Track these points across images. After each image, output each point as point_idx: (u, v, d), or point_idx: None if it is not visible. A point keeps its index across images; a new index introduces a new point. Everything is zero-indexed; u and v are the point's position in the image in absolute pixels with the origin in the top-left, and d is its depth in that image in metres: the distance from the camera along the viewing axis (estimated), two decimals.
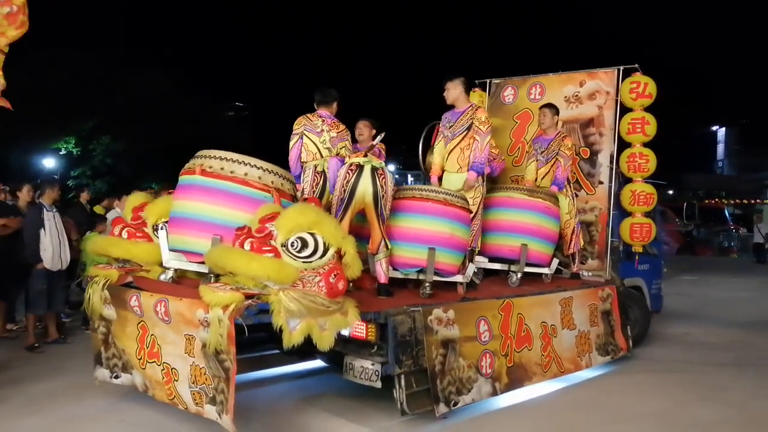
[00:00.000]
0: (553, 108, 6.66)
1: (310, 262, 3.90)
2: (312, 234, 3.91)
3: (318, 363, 6.06)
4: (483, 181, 5.71)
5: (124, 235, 4.75)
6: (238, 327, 3.74)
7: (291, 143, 5.44)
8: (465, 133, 5.59)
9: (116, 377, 4.76)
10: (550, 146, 6.57)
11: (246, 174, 4.29)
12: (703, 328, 8.88)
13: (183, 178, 4.48)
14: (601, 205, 7.04)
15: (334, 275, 3.99)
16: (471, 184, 5.56)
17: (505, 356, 5.26)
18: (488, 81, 7.93)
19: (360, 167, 4.72)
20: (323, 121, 5.43)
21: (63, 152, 22.34)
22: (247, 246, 3.92)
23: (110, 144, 21.90)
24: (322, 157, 5.35)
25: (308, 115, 5.50)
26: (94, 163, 22.05)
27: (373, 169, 4.74)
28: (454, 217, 5.12)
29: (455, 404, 4.68)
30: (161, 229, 4.60)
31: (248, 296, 3.79)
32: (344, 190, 4.73)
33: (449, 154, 5.73)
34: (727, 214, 26.69)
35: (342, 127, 5.48)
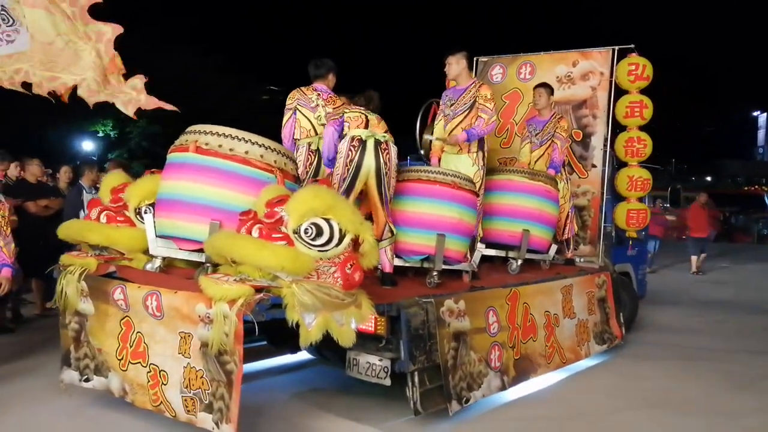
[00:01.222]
0: (548, 88, 6.38)
1: (326, 251, 3.51)
2: (327, 219, 3.51)
3: (304, 355, 5.66)
4: (484, 163, 5.38)
5: (103, 219, 4.24)
6: (247, 325, 3.33)
7: (284, 119, 5.01)
8: (467, 112, 5.24)
9: (86, 380, 4.21)
10: (545, 128, 6.30)
11: (247, 152, 3.84)
12: (737, 315, 8.81)
13: (174, 156, 4.00)
14: (593, 189, 6.83)
15: (350, 265, 3.60)
16: (453, 142, 5.29)
17: (513, 348, 5.00)
18: (475, 59, 7.59)
19: (363, 142, 4.35)
20: (318, 95, 5.02)
21: (101, 135, 22.56)
22: (255, 232, 3.49)
23: (147, 127, 21.73)
24: (316, 134, 4.94)
25: (302, 88, 5.07)
26: (131, 146, 22.29)
27: (377, 143, 4.36)
28: (463, 201, 4.80)
29: (467, 401, 4.39)
30: (146, 212, 4.13)
31: (257, 289, 3.38)
32: (347, 169, 4.34)
33: (449, 134, 5.37)
34: (766, 201, 26.14)
35: (339, 101, 5.07)
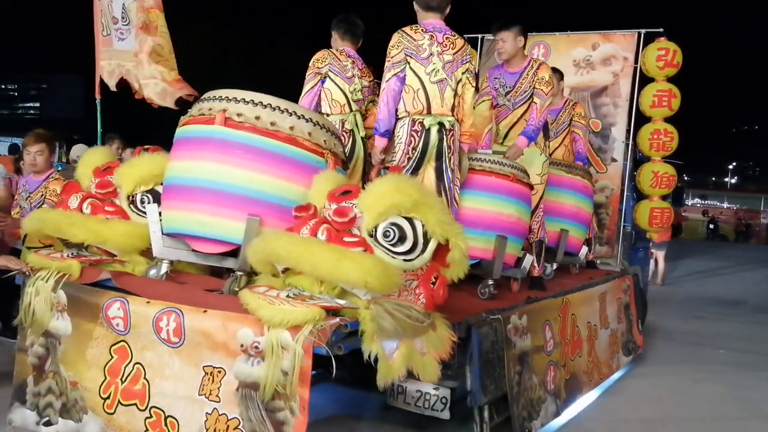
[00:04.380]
0: (557, 73, 5.69)
1: (411, 259, 2.70)
2: (410, 220, 2.70)
3: None
4: (548, 155, 4.62)
5: (87, 209, 3.24)
6: (319, 360, 2.48)
7: (307, 85, 4.07)
8: (530, 101, 4.39)
9: (47, 423, 3.14)
10: (559, 117, 5.62)
11: (292, 128, 2.95)
12: None
13: (190, 130, 3.05)
14: (613, 185, 6.28)
15: (435, 278, 2.81)
16: (518, 152, 4.29)
17: (564, 367, 4.34)
18: (480, 37, 6.87)
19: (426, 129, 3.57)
20: (353, 63, 4.13)
21: None
22: (322, 234, 2.63)
23: None
24: (350, 111, 4.07)
25: (334, 51, 4.15)
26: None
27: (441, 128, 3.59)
28: (520, 196, 4.07)
29: None
30: (148, 203, 3.18)
31: (327, 311, 2.53)
32: (407, 157, 3.54)
33: (510, 129, 4.50)
34: None
35: (371, 74, 4.22)
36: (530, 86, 4.37)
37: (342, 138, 3.39)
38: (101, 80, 5.25)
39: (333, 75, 4.06)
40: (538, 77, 4.36)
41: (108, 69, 5.07)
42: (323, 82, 4.04)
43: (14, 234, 4.27)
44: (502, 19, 4.44)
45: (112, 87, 5.16)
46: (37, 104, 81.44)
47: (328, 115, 4.03)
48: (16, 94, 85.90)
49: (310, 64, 4.11)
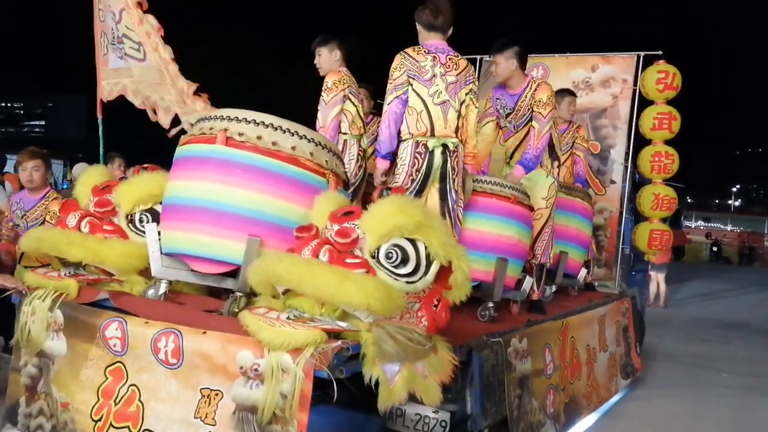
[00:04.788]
0: (570, 94, 5.72)
1: (414, 282, 2.67)
2: (412, 241, 2.68)
3: None
4: (557, 175, 4.57)
5: (85, 228, 3.20)
6: (323, 383, 2.44)
7: (335, 108, 4.01)
8: (530, 123, 4.33)
9: None
10: (561, 138, 5.63)
11: (294, 148, 2.93)
12: None
13: (190, 149, 3.03)
14: (611, 207, 6.28)
15: (437, 300, 2.79)
16: (515, 182, 4.18)
17: (563, 390, 4.30)
18: (478, 58, 6.90)
19: (430, 151, 3.57)
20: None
21: None
22: (324, 255, 2.60)
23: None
24: (366, 131, 4.10)
25: (349, 73, 4.17)
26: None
27: (445, 150, 3.58)
28: (521, 218, 4.05)
29: None
30: (147, 222, 3.15)
31: (328, 333, 2.49)
32: (411, 179, 3.53)
33: (514, 151, 4.47)
34: None
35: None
36: (529, 108, 4.32)
37: (341, 157, 3.36)
38: (102, 101, 5.29)
39: (352, 96, 4.08)
40: (536, 99, 4.28)
41: (107, 89, 5.14)
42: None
43: (11, 252, 4.24)
44: (499, 41, 4.43)
45: (106, 100, 5.22)
46: (42, 122, 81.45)
47: (345, 134, 4.05)
48: (21, 112, 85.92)
49: (331, 86, 4.02)
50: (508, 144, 4.50)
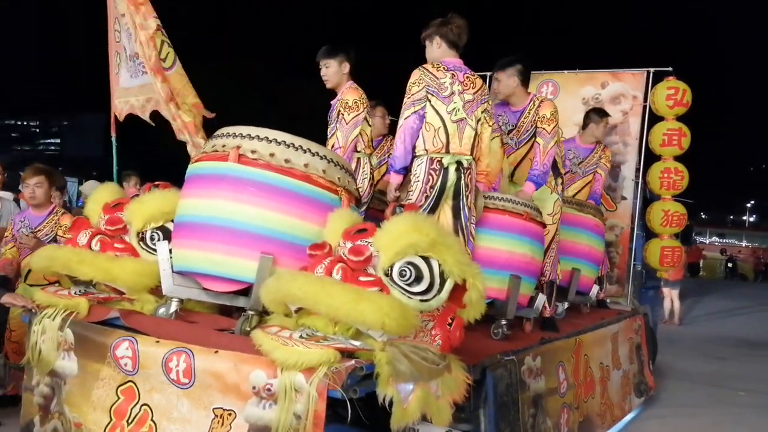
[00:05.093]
0: (600, 113, 5.67)
1: (428, 300, 2.64)
2: (427, 259, 2.65)
3: None
4: (561, 190, 4.57)
5: (96, 246, 3.19)
6: (334, 403, 2.40)
7: (357, 128, 3.99)
8: (533, 139, 4.32)
9: None
10: (590, 157, 5.61)
11: (307, 165, 2.91)
12: None
13: (203, 167, 3.02)
14: (623, 223, 6.24)
15: (451, 319, 2.76)
16: (525, 198, 4.13)
17: (577, 409, 4.24)
18: (488, 75, 6.89)
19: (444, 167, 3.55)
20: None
21: None
22: (337, 274, 2.58)
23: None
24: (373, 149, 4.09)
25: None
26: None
27: (459, 167, 3.56)
28: (534, 235, 4.02)
29: None
30: (159, 240, 3.14)
31: (340, 352, 2.46)
32: (425, 196, 3.51)
33: (516, 168, 4.48)
34: None
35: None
36: (532, 125, 4.32)
37: (353, 174, 3.34)
38: (117, 119, 5.34)
39: (368, 116, 4.09)
40: (540, 115, 4.28)
41: (119, 107, 5.22)
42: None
43: (14, 265, 4.28)
44: (502, 59, 4.43)
45: (120, 118, 5.27)
46: (58, 141, 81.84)
47: (359, 153, 4.06)
48: (37, 130, 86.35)
49: (352, 105, 3.98)
50: (509, 161, 4.49)
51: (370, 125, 4.10)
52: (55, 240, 4.29)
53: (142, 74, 4.89)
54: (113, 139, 5.57)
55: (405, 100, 3.59)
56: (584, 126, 5.66)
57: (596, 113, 5.62)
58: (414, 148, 3.61)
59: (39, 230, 4.43)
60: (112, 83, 5.30)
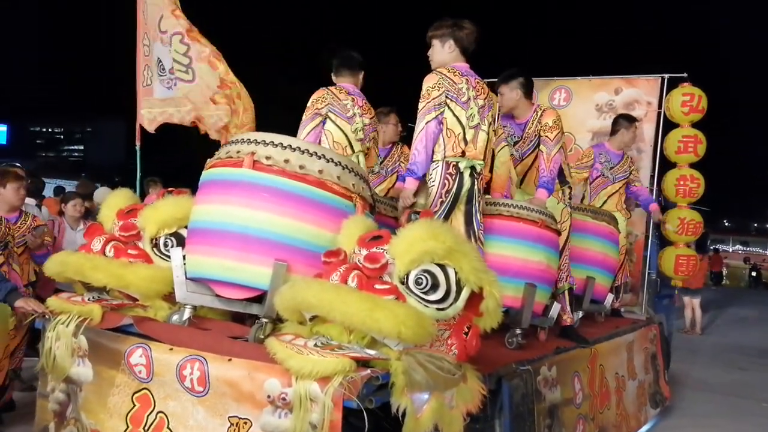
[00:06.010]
0: (626, 119, 5.60)
1: (444, 308, 2.61)
2: (442, 267, 2.62)
3: None
4: (570, 197, 4.54)
5: (110, 252, 3.18)
6: (350, 413, 2.37)
7: (307, 127, 3.96)
8: (537, 150, 4.33)
9: None
10: (620, 164, 5.56)
11: (321, 171, 2.89)
12: None
13: (217, 173, 3.00)
14: (637, 231, 6.18)
15: (468, 328, 2.72)
16: (541, 205, 4.14)
17: (593, 420, 4.18)
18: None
19: (460, 172, 3.52)
20: (353, 100, 4.02)
21: None
22: (352, 281, 2.55)
23: None
24: (353, 152, 4.00)
25: (331, 89, 4.04)
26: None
27: (473, 173, 3.53)
28: (549, 242, 3.98)
29: None
30: (172, 246, 3.12)
31: (356, 361, 2.43)
32: (441, 201, 3.48)
33: (523, 177, 4.49)
34: None
35: (372, 110, 4.16)
36: (536, 135, 4.31)
37: (368, 181, 3.31)
38: (141, 128, 5.46)
39: (333, 116, 3.96)
40: (542, 124, 4.28)
41: (148, 117, 5.37)
42: (324, 124, 3.95)
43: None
44: (504, 73, 4.41)
45: (151, 131, 5.44)
46: (81, 147, 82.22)
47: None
48: (61, 137, 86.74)
49: (308, 104, 4.00)
50: (516, 171, 4.51)
51: (340, 129, 4.00)
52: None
53: (179, 83, 5.11)
54: (137, 147, 5.69)
55: (423, 104, 3.53)
56: (613, 132, 5.59)
57: (625, 119, 5.56)
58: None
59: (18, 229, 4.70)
60: (140, 95, 5.43)
